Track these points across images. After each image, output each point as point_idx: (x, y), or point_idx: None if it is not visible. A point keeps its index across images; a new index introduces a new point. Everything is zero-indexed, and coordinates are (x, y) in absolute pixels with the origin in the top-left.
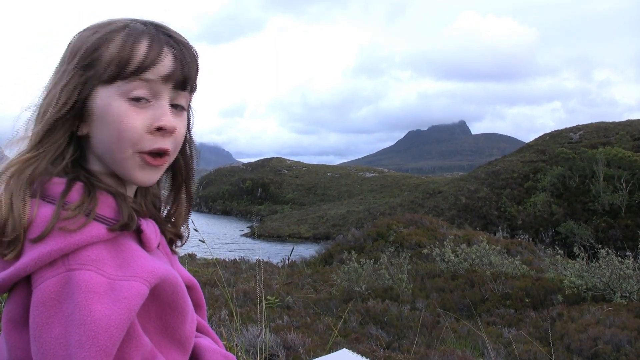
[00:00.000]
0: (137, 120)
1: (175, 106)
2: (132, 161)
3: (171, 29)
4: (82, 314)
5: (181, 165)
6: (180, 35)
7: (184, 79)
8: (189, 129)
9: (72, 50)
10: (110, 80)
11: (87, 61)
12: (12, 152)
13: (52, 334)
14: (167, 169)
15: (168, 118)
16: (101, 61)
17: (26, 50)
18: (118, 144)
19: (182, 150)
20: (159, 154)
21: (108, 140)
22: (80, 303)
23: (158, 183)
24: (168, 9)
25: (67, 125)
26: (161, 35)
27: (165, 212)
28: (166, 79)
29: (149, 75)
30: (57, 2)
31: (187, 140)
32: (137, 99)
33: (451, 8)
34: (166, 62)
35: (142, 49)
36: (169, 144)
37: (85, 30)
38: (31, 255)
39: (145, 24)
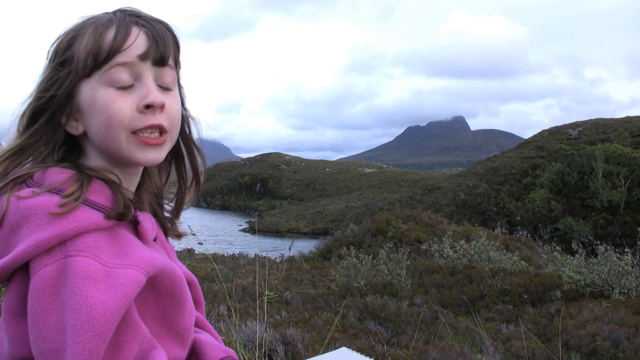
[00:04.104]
0: (124, 104)
1: (163, 83)
2: (129, 143)
3: (140, 10)
4: (78, 299)
5: (181, 147)
6: (151, 15)
7: (161, 54)
8: (183, 104)
9: (51, 53)
10: (89, 73)
11: (63, 58)
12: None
13: (50, 320)
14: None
15: (154, 94)
16: (76, 57)
17: (25, 47)
18: (110, 129)
19: (182, 130)
20: (157, 132)
21: (100, 128)
22: (76, 289)
23: (153, 176)
24: (160, 9)
25: (47, 117)
26: (128, 17)
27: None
28: (143, 57)
29: (124, 58)
30: (56, 1)
31: (184, 117)
32: (122, 88)
33: (442, 6)
34: (139, 42)
35: (110, 35)
36: (162, 119)
37: (61, 34)
38: (29, 241)
39: (114, 12)
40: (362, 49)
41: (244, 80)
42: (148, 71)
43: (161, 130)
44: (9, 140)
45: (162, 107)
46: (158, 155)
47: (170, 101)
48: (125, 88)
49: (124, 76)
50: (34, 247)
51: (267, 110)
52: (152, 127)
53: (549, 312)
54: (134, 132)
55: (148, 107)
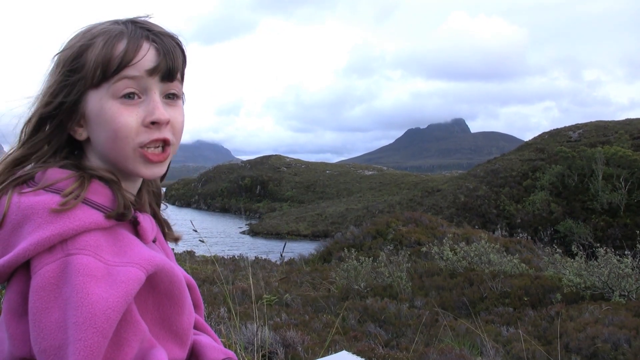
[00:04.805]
0: (130, 117)
1: (169, 96)
2: (134, 158)
3: (151, 22)
4: (79, 296)
5: None
6: (161, 27)
7: (169, 70)
8: None
9: (59, 60)
10: (98, 83)
11: (72, 66)
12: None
13: (52, 318)
14: None
15: (160, 111)
16: (86, 66)
17: (26, 47)
18: (116, 142)
19: None
20: (161, 146)
21: (106, 140)
22: (78, 286)
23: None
24: (161, 10)
25: (54, 124)
26: (139, 31)
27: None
28: (151, 72)
29: (132, 72)
30: (55, 1)
31: None
32: (127, 96)
33: (441, 8)
34: (148, 56)
35: (120, 48)
36: (167, 133)
37: (68, 40)
38: (30, 240)
39: (125, 22)
40: (361, 51)
41: (244, 82)
42: (155, 86)
43: (165, 143)
44: (13, 146)
45: (167, 122)
46: (160, 170)
47: (175, 114)
48: (132, 101)
49: (131, 90)
50: (35, 245)
51: (266, 112)
52: (157, 141)
53: (549, 314)
54: (141, 147)
55: (154, 123)
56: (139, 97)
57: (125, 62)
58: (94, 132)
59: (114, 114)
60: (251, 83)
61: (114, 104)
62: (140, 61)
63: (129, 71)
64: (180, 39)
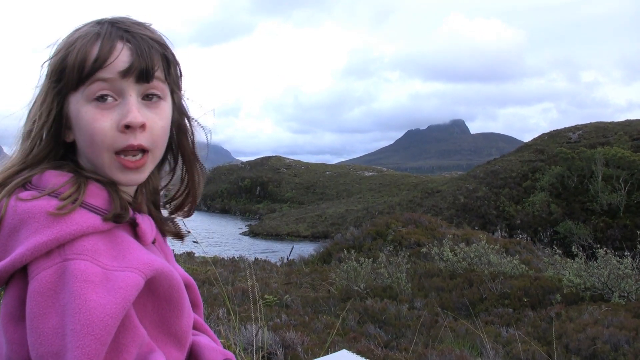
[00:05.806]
0: (105, 122)
1: (148, 97)
2: (111, 164)
3: (131, 21)
4: (77, 303)
5: (183, 152)
6: (141, 27)
7: (143, 71)
8: (185, 114)
9: (47, 70)
10: (75, 86)
11: (57, 75)
12: (10, 152)
13: (49, 324)
14: (174, 157)
15: (134, 114)
16: (66, 71)
17: (23, 50)
18: (92, 147)
19: (180, 137)
20: (140, 153)
21: (85, 144)
22: (76, 292)
23: (151, 178)
24: (159, 12)
25: (52, 136)
26: (115, 31)
27: (168, 205)
28: (124, 74)
29: (105, 73)
30: (52, 3)
31: (184, 129)
32: (101, 98)
33: (439, 10)
34: (122, 57)
35: (94, 50)
36: (143, 140)
37: (55, 48)
38: (27, 245)
39: (103, 23)
40: (359, 53)
41: (243, 84)
42: (131, 88)
43: (142, 150)
44: (12, 158)
45: (142, 126)
46: (138, 177)
47: (155, 119)
48: (107, 105)
49: (105, 92)
50: (33, 250)
51: (265, 113)
52: (131, 148)
53: (548, 315)
54: (117, 153)
55: (128, 127)
56: (115, 100)
57: (98, 64)
58: (76, 136)
59: (89, 119)
60: (250, 85)
61: (88, 107)
62: (114, 62)
63: (102, 73)
64: (163, 39)
